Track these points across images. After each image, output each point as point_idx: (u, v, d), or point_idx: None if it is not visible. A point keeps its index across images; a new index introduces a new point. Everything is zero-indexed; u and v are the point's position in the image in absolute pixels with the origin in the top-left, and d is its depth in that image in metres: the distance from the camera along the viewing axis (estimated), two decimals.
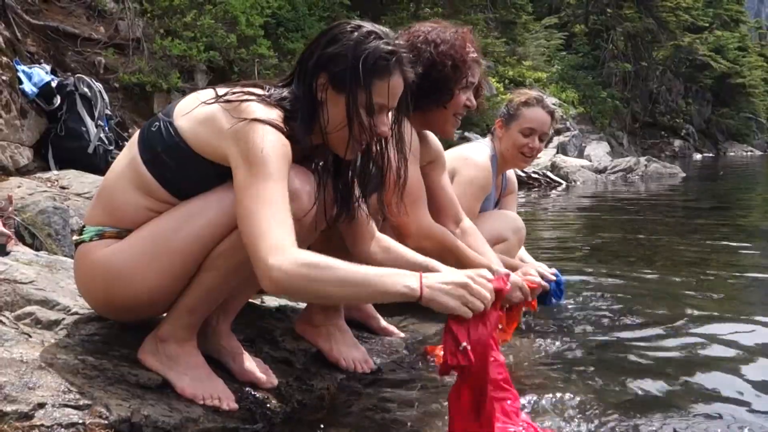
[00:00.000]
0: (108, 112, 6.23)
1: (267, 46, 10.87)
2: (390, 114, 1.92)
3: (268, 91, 1.84)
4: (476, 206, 3.16)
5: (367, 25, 1.84)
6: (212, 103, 1.79)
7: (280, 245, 1.60)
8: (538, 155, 3.52)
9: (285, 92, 1.85)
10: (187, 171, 1.81)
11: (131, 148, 1.89)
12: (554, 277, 3.21)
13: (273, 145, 1.70)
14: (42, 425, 1.54)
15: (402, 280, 1.64)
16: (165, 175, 1.83)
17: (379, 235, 2.15)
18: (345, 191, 1.99)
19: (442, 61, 2.58)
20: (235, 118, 1.73)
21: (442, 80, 2.60)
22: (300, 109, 1.82)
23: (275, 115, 1.77)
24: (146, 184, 1.84)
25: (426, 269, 1.98)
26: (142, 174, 1.84)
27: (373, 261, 2.08)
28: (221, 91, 1.83)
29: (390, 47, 1.82)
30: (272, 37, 11.98)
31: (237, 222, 1.70)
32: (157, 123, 1.86)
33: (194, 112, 1.81)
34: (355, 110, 1.80)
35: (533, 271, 3.03)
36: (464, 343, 1.64)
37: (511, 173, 3.62)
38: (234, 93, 1.80)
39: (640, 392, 2.24)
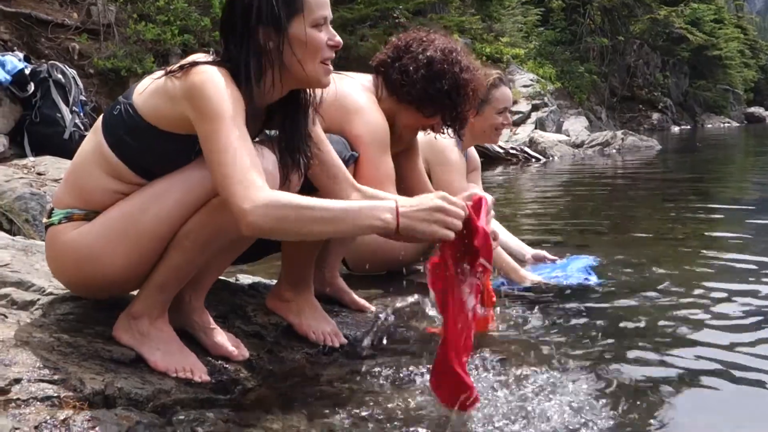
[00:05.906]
0: (83, 97, 6.23)
1: None
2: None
3: (213, 56, 1.88)
4: (465, 186, 3.27)
5: None
6: (161, 77, 1.84)
7: (251, 189, 1.66)
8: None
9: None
10: (152, 150, 1.86)
11: (96, 132, 1.94)
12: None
13: (221, 89, 1.74)
14: (18, 399, 1.59)
15: (378, 213, 1.70)
16: (130, 156, 1.87)
17: (354, 183, 2.18)
18: (291, 150, 2.01)
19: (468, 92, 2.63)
20: (183, 79, 1.78)
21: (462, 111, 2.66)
22: (245, 70, 1.84)
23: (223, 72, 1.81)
24: (113, 167, 1.89)
25: None
26: (108, 157, 1.89)
27: None
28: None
29: None
30: None
31: (211, 176, 1.74)
32: (118, 106, 1.90)
33: (148, 89, 1.86)
34: (306, 34, 1.86)
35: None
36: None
37: (472, 150, 3.73)
38: (179, 64, 1.84)
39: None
